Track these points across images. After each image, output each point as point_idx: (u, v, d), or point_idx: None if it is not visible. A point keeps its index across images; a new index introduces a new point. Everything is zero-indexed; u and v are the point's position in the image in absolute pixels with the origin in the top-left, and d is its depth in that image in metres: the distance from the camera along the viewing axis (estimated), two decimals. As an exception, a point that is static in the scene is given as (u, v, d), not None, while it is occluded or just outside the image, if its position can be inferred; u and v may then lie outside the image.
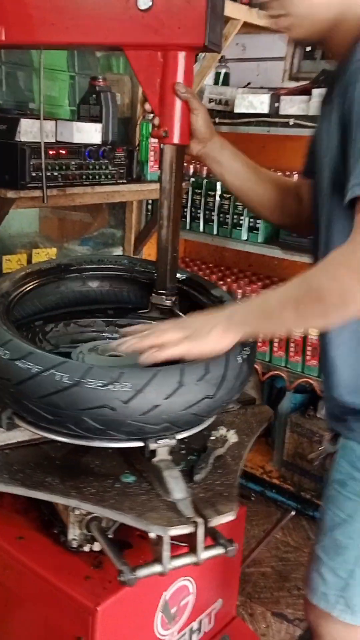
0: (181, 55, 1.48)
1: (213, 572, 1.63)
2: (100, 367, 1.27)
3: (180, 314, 1.72)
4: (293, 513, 2.44)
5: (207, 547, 1.22)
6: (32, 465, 1.37)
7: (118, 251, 3.38)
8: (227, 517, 1.21)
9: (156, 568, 1.18)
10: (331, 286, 1.12)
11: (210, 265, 3.52)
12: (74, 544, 1.42)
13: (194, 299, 1.74)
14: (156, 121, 1.55)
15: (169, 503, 1.24)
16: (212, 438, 1.48)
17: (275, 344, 2.91)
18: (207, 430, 1.50)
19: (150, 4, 1.44)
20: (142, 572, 1.17)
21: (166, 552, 1.16)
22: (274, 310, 1.22)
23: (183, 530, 1.16)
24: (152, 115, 1.58)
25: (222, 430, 1.50)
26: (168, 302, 1.69)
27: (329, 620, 1.46)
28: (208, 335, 1.24)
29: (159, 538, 1.16)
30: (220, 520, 1.20)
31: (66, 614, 1.36)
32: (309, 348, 2.80)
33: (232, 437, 1.49)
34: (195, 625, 1.61)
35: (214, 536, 1.26)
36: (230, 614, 1.78)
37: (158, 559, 1.17)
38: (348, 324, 1.24)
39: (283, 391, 3.09)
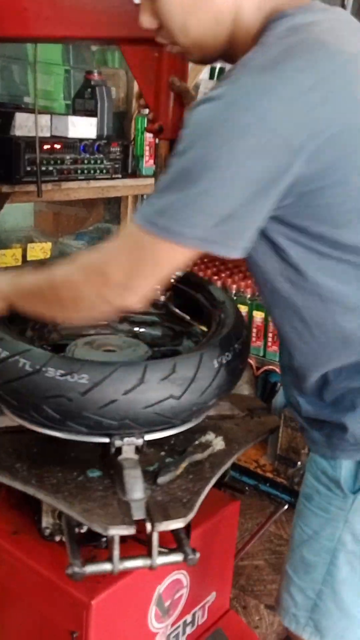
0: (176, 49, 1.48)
1: (207, 566, 1.64)
2: (62, 357, 1.29)
3: (175, 309, 1.73)
4: (286, 507, 2.45)
5: (168, 552, 1.23)
6: (9, 451, 1.39)
7: (113, 246, 3.37)
8: (176, 524, 1.20)
9: (106, 567, 1.18)
10: (68, 291, 1.18)
11: (205, 260, 3.52)
12: (47, 532, 1.42)
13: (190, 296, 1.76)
14: (151, 116, 1.55)
15: (122, 502, 1.24)
16: (195, 442, 1.46)
17: (270, 339, 2.91)
18: (198, 434, 1.49)
19: (145, -2, 1.44)
20: (90, 569, 1.17)
21: (115, 552, 1.16)
22: (25, 294, 1.28)
23: (124, 531, 1.15)
24: (147, 109, 1.58)
25: (209, 436, 1.48)
26: (162, 297, 1.70)
27: None
28: None
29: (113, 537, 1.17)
30: (168, 526, 1.19)
31: (60, 609, 1.37)
32: (303, 343, 2.81)
33: (218, 444, 1.46)
34: (189, 618, 1.62)
35: (179, 542, 1.26)
36: (224, 607, 1.79)
37: (110, 558, 1.17)
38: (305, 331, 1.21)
39: (277, 386, 3.09)
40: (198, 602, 1.65)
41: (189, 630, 1.63)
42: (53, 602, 1.38)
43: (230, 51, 1.16)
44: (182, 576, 1.55)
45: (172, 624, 1.56)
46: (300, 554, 1.34)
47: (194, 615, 1.64)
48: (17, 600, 1.50)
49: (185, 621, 1.61)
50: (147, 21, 1.16)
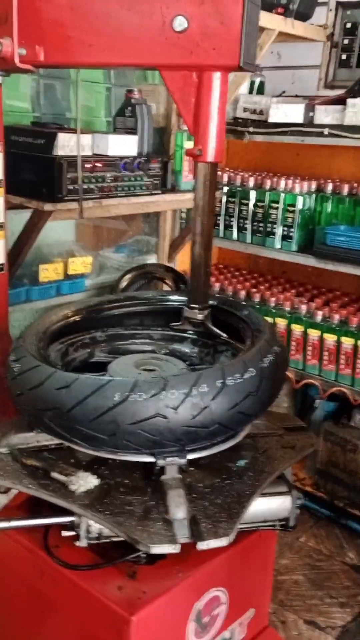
0: (216, 76, 1.51)
1: (246, 582, 1.65)
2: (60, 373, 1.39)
3: (212, 327, 1.75)
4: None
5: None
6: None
7: (152, 259, 3.41)
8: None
9: None
10: None
11: (244, 272, 3.54)
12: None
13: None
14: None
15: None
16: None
17: (309, 353, 2.91)
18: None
19: (186, 25, 1.47)
20: None
21: None
22: None
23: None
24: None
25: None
26: (200, 316, 1.72)
27: None
28: None
29: None
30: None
31: (101, 623, 1.39)
32: (342, 357, 2.80)
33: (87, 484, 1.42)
34: (227, 634, 1.63)
35: None
36: (262, 623, 1.80)
37: None
38: None
39: (313, 400, 3.08)
40: (236, 618, 1.66)
41: (227, 646, 1.65)
42: (94, 616, 1.41)
43: None
44: (221, 593, 1.56)
45: (211, 640, 1.58)
46: None
47: (232, 631, 1.65)
48: (59, 612, 1.54)
49: (223, 637, 1.62)
50: None
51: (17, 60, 1.67)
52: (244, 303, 2.59)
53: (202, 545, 1.23)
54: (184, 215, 3.40)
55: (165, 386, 1.29)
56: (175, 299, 1.90)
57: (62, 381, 1.32)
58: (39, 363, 1.42)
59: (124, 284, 3.01)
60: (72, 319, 1.77)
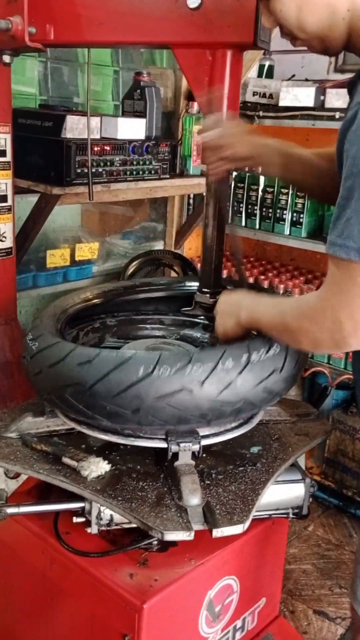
0: (230, 54, 1.47)
1: (257, 572, 1.63)
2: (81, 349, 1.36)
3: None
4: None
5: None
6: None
7: (159, 245, 3.38)
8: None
9: None
10: (301, 334, 1.25)
11: (252, 259, 3.50)
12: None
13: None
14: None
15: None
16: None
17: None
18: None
19: (200, 2, 1.44)
20: None
21: None
22: (264, 327, 1.36)
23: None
24: (195, 109, 1.57)
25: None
26: (212, 301, 1.69)
27: None
28: (226, 327, 1.45)
29: None
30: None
31: (112, 611, 1.37)
32: (352, 344, 2.76)
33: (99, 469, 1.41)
34: (238, 623, 1.62)
35: None
36: (274, 613, 1.78)
37: None
38: None
39: (325, 388, 3.06)
40: (248, 608, 1.65)
41: (238, 635, 1.63)
42: (105, 604, 1.39)
43: (355, 40, 1.20)
44: (233, 581, 1.54)
45: (222, 629, 1.56)
46: None
47: (244, 620, 1.64)
48: (69, 599, 1.52)
49: (235, 626, 1.60)
50: (267, 22, 1.25)
51: (27, 38, 1.64)
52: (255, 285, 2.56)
53: (217, 533, 1.20)
54: (191, 201, 3.36)
55: (190, 360, 1.27)
56: (190, 284, 1.87)
57: (84, 356, 1.29)
58: (59, 339, 1.39)
59: (131, 270, 2.99)
60: (85, 304, 1.74)
